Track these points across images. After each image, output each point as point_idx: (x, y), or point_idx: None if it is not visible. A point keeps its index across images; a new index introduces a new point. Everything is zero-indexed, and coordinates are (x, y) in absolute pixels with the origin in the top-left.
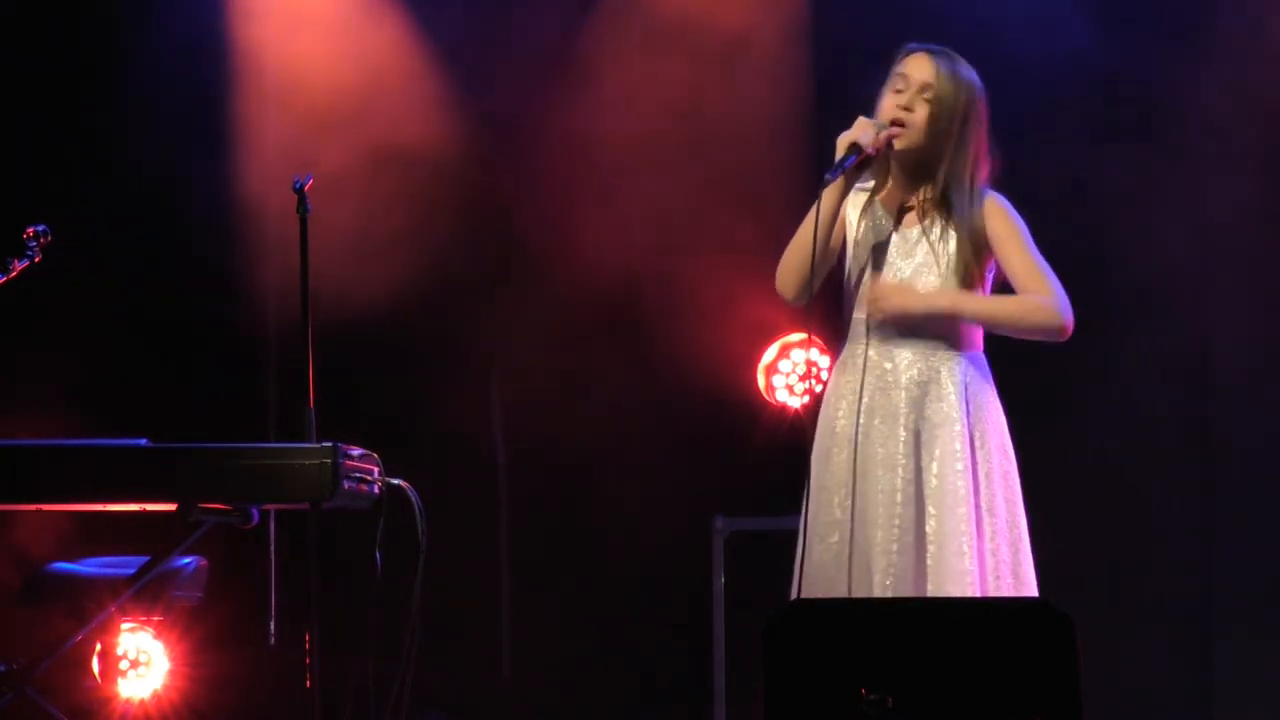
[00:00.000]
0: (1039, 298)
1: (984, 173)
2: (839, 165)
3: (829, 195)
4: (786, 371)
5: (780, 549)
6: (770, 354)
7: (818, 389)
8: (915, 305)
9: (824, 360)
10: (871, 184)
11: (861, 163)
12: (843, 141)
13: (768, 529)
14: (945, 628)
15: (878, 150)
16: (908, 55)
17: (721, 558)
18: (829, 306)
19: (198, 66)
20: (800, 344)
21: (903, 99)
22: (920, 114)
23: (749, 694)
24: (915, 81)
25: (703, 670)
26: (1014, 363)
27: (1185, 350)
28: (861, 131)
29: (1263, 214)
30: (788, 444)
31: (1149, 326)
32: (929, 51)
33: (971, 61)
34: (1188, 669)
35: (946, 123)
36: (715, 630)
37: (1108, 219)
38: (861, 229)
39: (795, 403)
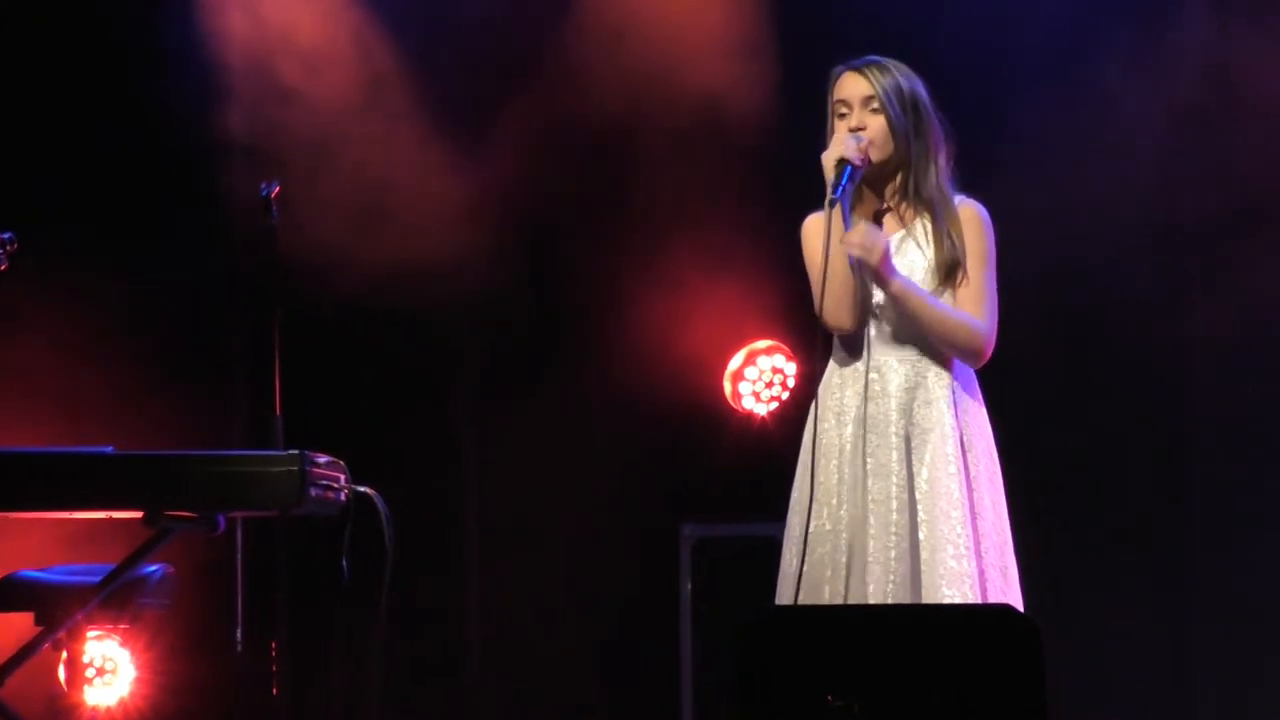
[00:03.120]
0: (972, 321)
1: (944, 156)
2: (838, 183)
3: (836, 215)
4: (753, 379)
5: (747, 555)
6: (736, 361)
7: (784, 396)
8: (875, 263)
9: (790, 367)
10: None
11: (855, 175)
12: (829, 160)
13: (735, 535)
14: (912, 635)
15: (864, 162)
16: (837, 80)
17: (689, 564)
18: (795, 313)
19: (164, 73)
20: (766, 351)
21: (852, 120)
22: (876, 125)
23: (716, 700)
24: (856, 99)
25: (670, 676)
26: (999, 368)
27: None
28: (844, 145)
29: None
30: (755, 451)
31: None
32: (854, 68)
33: None
34: (1161, 674)
35: (902, 122)
36: (682, 637)
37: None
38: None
39: (762, 410)
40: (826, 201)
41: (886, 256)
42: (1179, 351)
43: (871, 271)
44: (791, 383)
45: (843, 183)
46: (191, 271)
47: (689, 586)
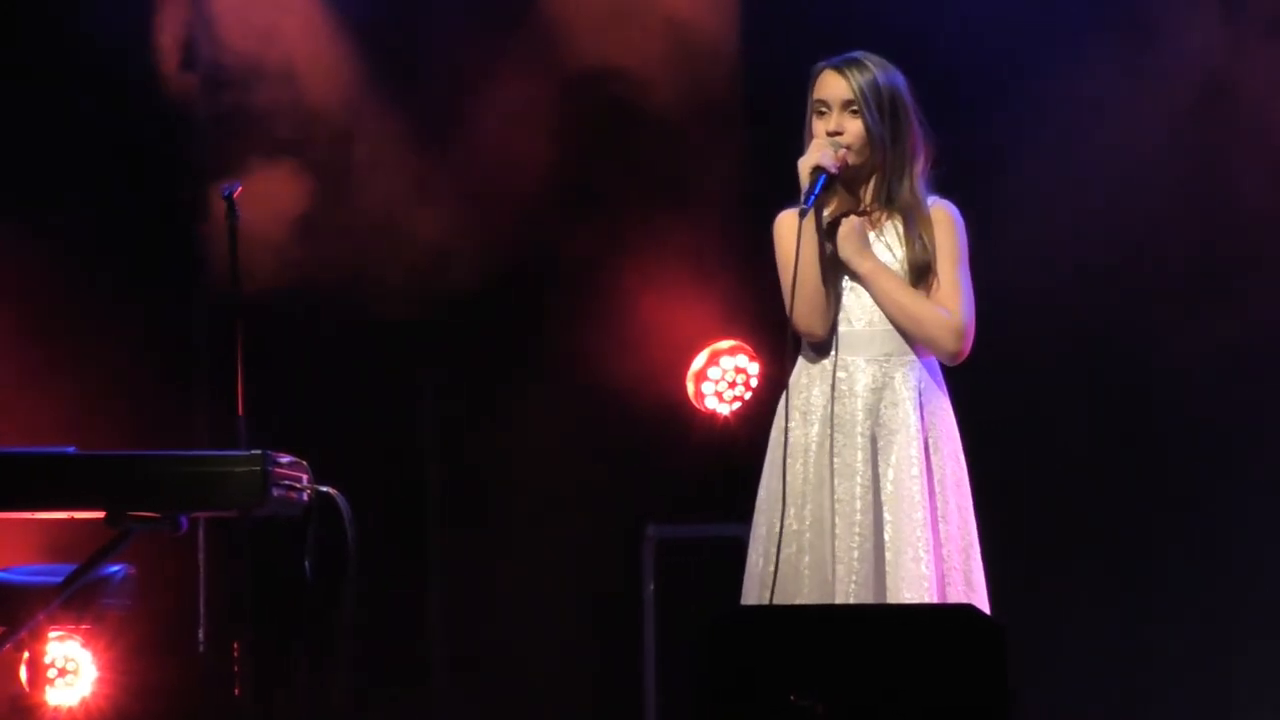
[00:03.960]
0: (946, 315)
1: (921, 161)
2: (812, 191)
3: (808, 223)
4: (716, 379)
5: (711, 556)
6: (699, 361)
7: (747, 396)
8: (848, 249)
9: (754, 367)
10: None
11: (831, 182)
12: (805, 167)
13: (698, 536)
14: (876, 635)
15: (840, 169)
16: (818, 77)
17: (652, 565)
18: (758, 313)
19: (113, 63)
20: (729, 351)
21: (831, 122)
22: (854, 128)
23: (679, 700)
24: (835, 101)
25: (633, 677)
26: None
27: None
28: (821, 153)
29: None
30: (718, 451)
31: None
32: (835, 67)
33: None
34: (1127, 676)
35: (880, 129)
36: (646, 637)
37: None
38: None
39: (725, 410)
40: (799, 211)
41: (859, 236)
42: (1150, 349)
43: (849, 250)
44: (754, 383)
45: (815, 192)
46: (153, 272)
47: (652, 587)
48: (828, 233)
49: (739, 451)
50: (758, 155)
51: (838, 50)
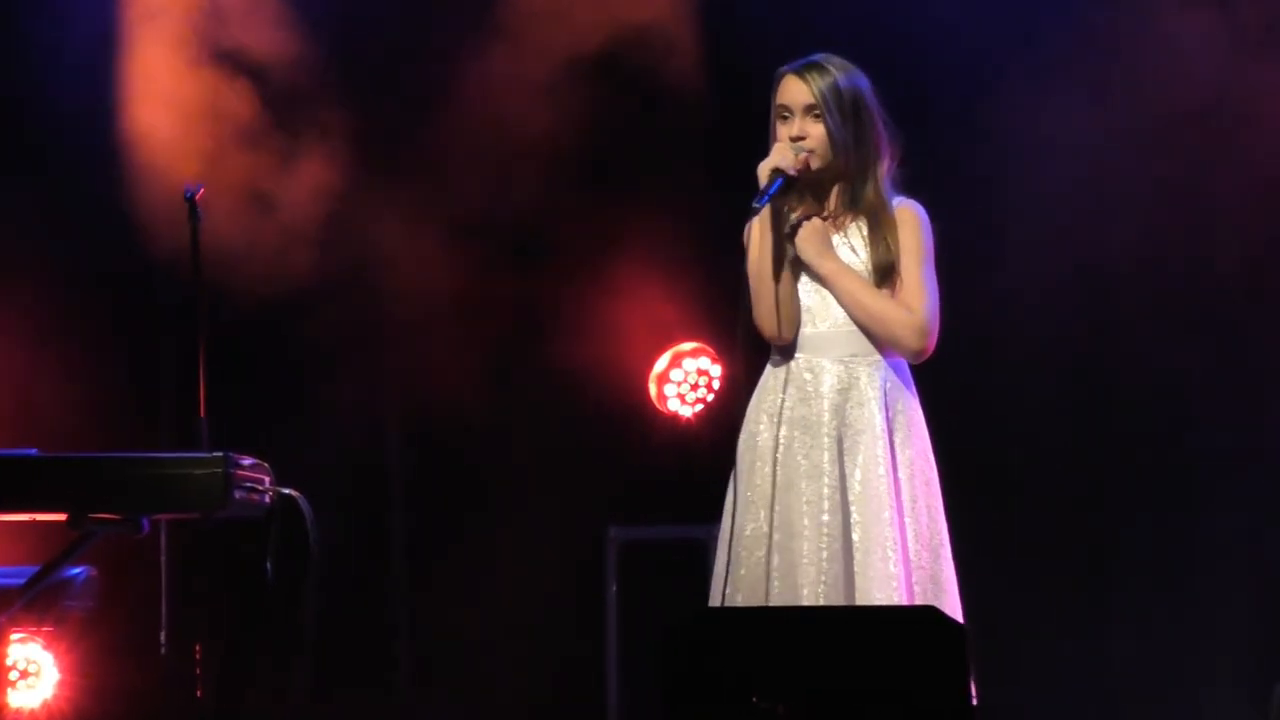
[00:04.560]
0: (908, 315)
1: (885, 164)
2: (765, 192)
3: (759, 225)
4: (678, 380)
5: (673, 558)
6: (662, 363)
7: (709, 398)
8: (810, 251)
9: (716, 369)
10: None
11: (786, 187)
12: (764, 169)
13: (660, 538)
14: (839, 636)
15: (800, 172)
16: (780, 82)
17: (615, 566)
18: (721, 316)
19: (82, 69)
20: (692, 353)
21: (793, 127)
22: (816, 133)
23: (643, 702)
24: (797, 105)
25: (596, 679)
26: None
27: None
28: (781, 156)
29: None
30: (680, 454)
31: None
32: (796, 72)
33: None
34: (1087, 678)
35: (842, 132)
36: (609, 639)
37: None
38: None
39: (687, 412)
40: (750, 210)
41: (820, 237)
42: (1125, 358)
43: (810, 252)
44: (717, 385)
45: (769, 192)
46: (115, 273)
47: (615, 588)
48: (790, 235)
49: (701, 453)
50: (721, 159)
51: (804, 52)
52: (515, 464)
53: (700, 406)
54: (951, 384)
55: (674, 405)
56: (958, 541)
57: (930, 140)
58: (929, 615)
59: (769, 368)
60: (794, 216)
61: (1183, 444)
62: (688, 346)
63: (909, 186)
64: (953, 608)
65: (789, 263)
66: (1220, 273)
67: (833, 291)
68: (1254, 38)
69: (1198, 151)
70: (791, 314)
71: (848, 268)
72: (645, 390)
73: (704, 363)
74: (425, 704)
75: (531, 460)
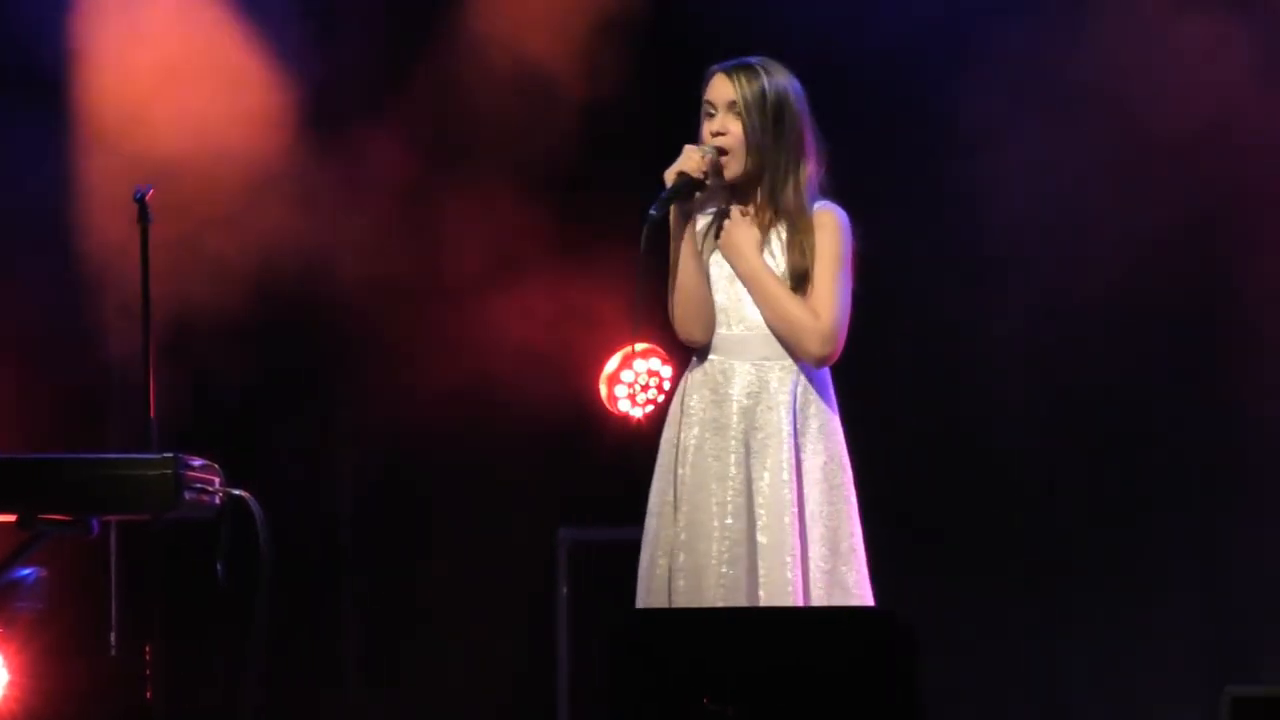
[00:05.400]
0: (813, 320)
1: (809, 169)
2: (660, 198)
3: (674, 227)
4: (629, 381)
5: (623, 559)
6: (612, 364)
7: (660, 399)
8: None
9: (666, 370)
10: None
11: (691, 190)
12: (670, 174)
13: (611, 539)
14: (788, 637)
15: (705, 175)
16: (708, 80)
17: (565, 568)
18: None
19: (29, 64)
20: (642, 354)
21: (715, 124)
22: (735, 131)
23: (592, 704)
24: (721, 103)
25: (546, 680)
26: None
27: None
28: (685, 159)
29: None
30: (631, 454)
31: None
32: (725, 71)
33: None
34: (1033, 676)
35: (761, 134)
36: (559, 641)
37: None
38: (705, 251)
39: (638, 413)
40: (646, 215)
41: (740, 237)
42: (1085, 365)
43: (729, 251)
44: (668, 385)
45: (663, 197)
46: (64, 273)
47: (565, 589)
48: (716, 232)
49: (652, 454)
50: (669, 158)
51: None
52: (466, 465)
53: (651, 407)
54: (906, 390)
55: (624, 406)
56: (911, 548)
57: (899, 153)
58: (881, 617)
59: (688, 369)
60: (715, 215)
61: (1135, 451)
62: (639, 347)
63: (887, 202)
64: None
65: (705, 263)
66: (1171, 282)
67: (749, 291)
68: (1232, 58)
69: (1173, 168)
70: (704, 316)
71: (766, 268)
72: (596, 391)
73: (655, 364)
74: (376, 704)
75: (482, 461)
